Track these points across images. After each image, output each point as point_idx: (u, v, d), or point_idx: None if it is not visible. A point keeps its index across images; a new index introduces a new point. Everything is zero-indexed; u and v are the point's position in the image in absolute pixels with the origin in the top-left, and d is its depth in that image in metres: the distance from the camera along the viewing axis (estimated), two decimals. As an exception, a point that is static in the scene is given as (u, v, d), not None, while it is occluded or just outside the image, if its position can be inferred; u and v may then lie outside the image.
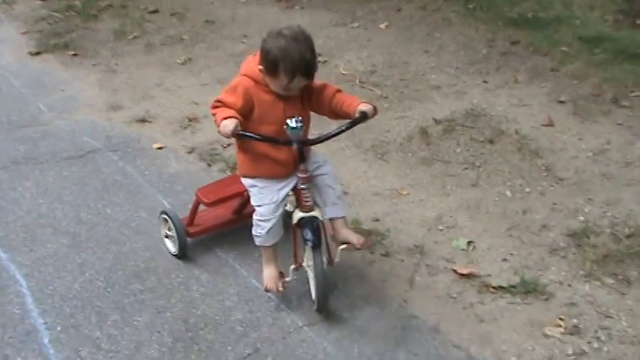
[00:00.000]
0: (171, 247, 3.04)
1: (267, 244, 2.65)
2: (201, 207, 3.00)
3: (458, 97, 4.41)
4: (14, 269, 2.98)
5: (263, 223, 2.59)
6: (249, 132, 2.46)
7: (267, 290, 2.69)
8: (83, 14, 6.49)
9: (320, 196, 2.64)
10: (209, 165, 3.84)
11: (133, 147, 4.07)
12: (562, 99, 4.25)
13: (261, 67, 2.44)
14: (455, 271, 2.89)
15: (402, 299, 2.75)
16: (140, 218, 3.34)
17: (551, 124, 3.98)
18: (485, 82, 4.59)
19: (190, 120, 4.36)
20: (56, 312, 2.72)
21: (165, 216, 3.03)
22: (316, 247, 2.51)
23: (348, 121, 2.53)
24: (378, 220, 3.26)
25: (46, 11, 6.69)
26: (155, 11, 6.50)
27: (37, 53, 5.68)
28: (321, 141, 2.56)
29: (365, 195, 3.49)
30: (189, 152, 4.00)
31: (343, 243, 2.68)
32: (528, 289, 2.73)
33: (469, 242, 3.07)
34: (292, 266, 2.66)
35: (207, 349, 2.52)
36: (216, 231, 3.10)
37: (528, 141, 3.80)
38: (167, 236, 3.07)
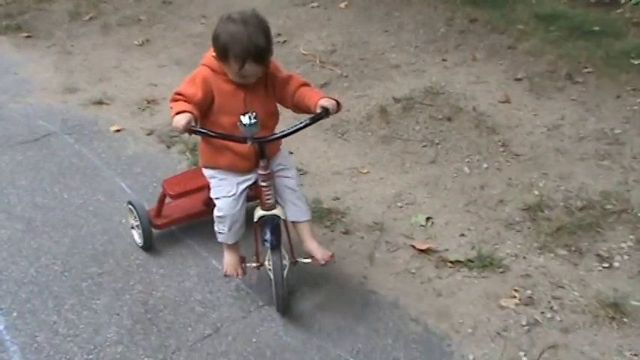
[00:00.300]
0: (137, 238, 2.95)
1: (230, 242, 2.56)
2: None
3: (417, 75, 4.43)
4: (-33, 256, 2.92)
5: (223, 220, 2.49)
6: (204, 128, 2.35)
7: (226, 276, 2.60)
8: (36, -5, 6.32)
9: (280, 197, 2.53)
10: (168, 147, 3.79)
11: (89, 130, 4.00)
12: (519, 76, 4.31)
13: (214, 54, 2.34)
14: (413, 246, 2.93)
15: (361, 276, 2.78)
16: (98, 202, 3.30)
17: (507, 101, 4.04)
18: (444, 60, 4.62)
19: (149, 102, 4.30)
20: (12, 297, 2.68)
21: (131, 206, 2.93)
22: (274, 247, 2.43)
23: (309, 116, 2.39)
24: (338, 198, 3.28)
25: (-3, -8, 6.50)
26: (111, -9, 6.36)
27: (-11, 35, 5.53)
28: (278, 138, 2.41)
29: (325, 174, 3.50)
30: (148, 134, 3.95)
31: (307, 257, 2.56)
32: (485, 262, 2.79)
33: (428, 218, 3.11)
34: (254, 264, 2.60)
35: (167, 330, 2.51)
36: (184, 223, 3.00)
37: (486, 118, 3.86)
38: (133, 227, 2.98)
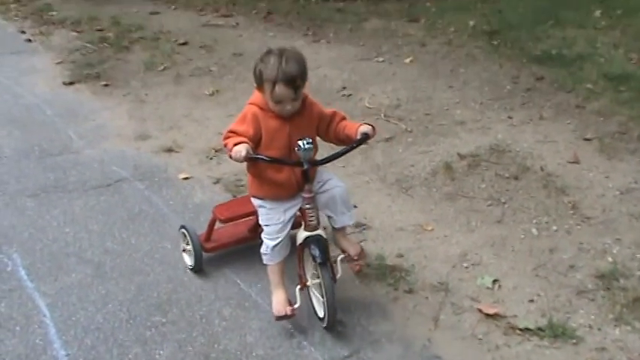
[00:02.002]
0: (188, 260, 3.18)
1: (274, 262, 2.74)
2: (218, 224, 3.16)
3: (482, 132, 4.39)
4: (39, 299, 3.00)
5: (269, 242, 2.71)
6: (260, 154, 2.59)
7: (278, 318, 2.72)
8: (116, 46, 6.67)
9: (328, 208, 2.77)
10: (234, 196, 3.84)
11: (159, 176, 4.12)
12: (588, 136, 4.21)
13: (256, 85, 2.59)
14: (480, 310, 2.84)
15: (426, 338, 2.71)
16: (164, 249, 3.36)
17: (577, 162, 3.94)
18: (509, 117, 4.57)
19: (217, 151, 4.39)
20: (78, 343, 2.73)
21: (184, 230, 3.18)
22: (324, 263, 2.61)
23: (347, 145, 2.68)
24: (402, 255, 3.24)
25: (80, 42, 6.91)
26: (185, 43, 6.64)
27: (71, 83, 5.82)
28: (329, 161, 2.68)
29: (389, 230, 3.47)
30: (215, 183, 4.03)
31: (341, 252, 2.86)
32: (556, 332, 2.67)
33: (495, 281, 3.02)
34: (297, 287, 2.74)
35: (229, 384, 2.50)
36: (231, 247, 3.23)
37: (554, 178, 3.77)
38: (184, 250, 3.22)
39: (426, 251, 3.28)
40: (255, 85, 2.60)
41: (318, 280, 2.66)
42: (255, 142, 2.60)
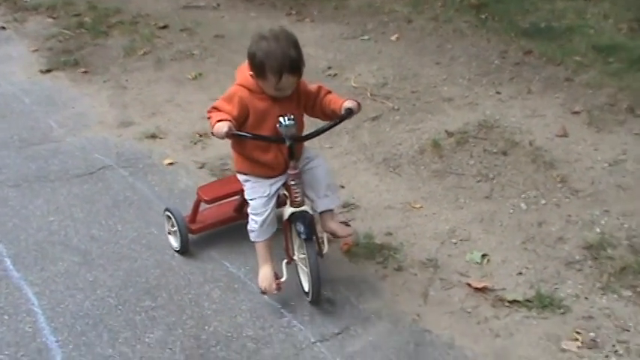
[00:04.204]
0: (174, 242, 3.17)
1: (261, 239, 2.74)
2: (203, 205, 3.17)
3: (470, 108, 4.37)
4: (26, 287, 2.97)
5: (256, 217, 2.70)
6: (242, 130, 2.59)
7: (263, 292, 2.73)
8: (93, 31, 6.53)
9: (311, 189, 2.73)
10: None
11: (143, 163, 4.07)
12: (576, 109, 4.19)
13: (251, 73, 2.54)
14: (469, 285, 2.84)
15: (415, 314, 2.71)
16: (151, 235, 3.33)
17: (565, 135, 3.93)
18: (498, 93, 4.54)
19: (201, 135, 4.34)
20: (68, 330, 2.70)
21: (169, 213, 3.16)
22: (309, 239, 2.62)
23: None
24: (390, 234, 3.23)
25: (56, 29, 6.74)
26: (165, 27, 6.52)
27: (48, 71, 5.69)
28: (312, 137, 2.70)
29: (377, 209, 3.45)
30: (200, 167, 3.98)
31: (330, 234, 2.82)
32: (544, 303, 2.69)
33: (483, 255, 3.03)
34: (284, 261, 2.76)
35: (219, 366, 2.49)
36: (218, 227, 3.22)
37: (542, 152, 3.76)
38: (170, 232, 3.21)
39: (415, 229, 3.27)
40: (252, 73, 2.54)
41: (304, 255, 2.67)
42: (240, 122, 2.59)
